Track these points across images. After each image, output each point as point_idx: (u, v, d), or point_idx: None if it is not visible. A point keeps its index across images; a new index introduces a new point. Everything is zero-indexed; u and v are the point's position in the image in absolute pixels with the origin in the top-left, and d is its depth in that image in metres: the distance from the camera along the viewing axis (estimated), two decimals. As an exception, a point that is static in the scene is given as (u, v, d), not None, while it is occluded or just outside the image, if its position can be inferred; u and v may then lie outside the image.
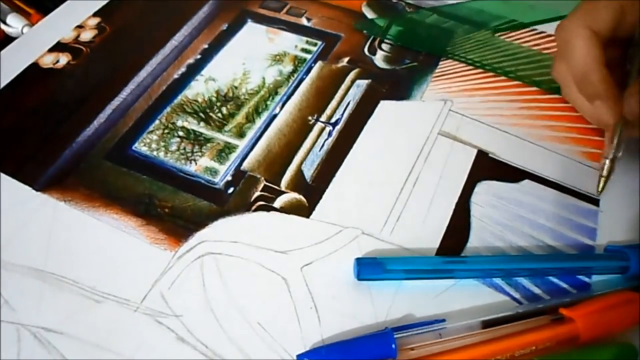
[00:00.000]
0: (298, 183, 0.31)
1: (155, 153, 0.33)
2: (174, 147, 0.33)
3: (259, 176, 0.32)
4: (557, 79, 0.32)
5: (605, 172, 0.29)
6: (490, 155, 0.33)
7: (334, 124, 0.34)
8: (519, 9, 0.41)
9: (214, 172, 0.32)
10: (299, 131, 0.34)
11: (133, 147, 0.33)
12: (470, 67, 0.38)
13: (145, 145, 0.33)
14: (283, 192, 0.31)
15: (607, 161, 0.29)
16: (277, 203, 0.30)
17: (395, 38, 0.40)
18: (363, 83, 0.37)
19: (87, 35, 0.40)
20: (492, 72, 0.37)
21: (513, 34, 0.40)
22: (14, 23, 0.40)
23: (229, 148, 0.33)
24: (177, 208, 0.30)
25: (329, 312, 0.26)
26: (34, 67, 0.38)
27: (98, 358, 0.24)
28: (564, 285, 0.27)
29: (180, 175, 0.32)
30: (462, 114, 0.35)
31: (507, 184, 0.31)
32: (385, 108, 0.35)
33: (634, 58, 0.30)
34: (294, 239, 0.29)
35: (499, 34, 0.40)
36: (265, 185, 0.31)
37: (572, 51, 0.29)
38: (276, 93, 0.36)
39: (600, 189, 0.29)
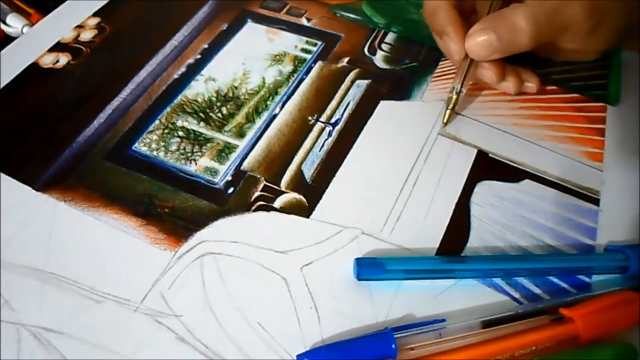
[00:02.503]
0: (298, 183, 0.31)
1: (155, 153, 0.33)
2: (174, 147, 0.33)
3: (259, 176, 0.32)
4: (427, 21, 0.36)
5: (450, 105, 0.33)
6: (490, 155, 0.33)
7: (334, 124, 0.34)
8: None
9: (214, 172, 0.32)
10: (299, 131, 0.34)
11: (133, 147, 0.33)
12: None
13: (145, 145, 0.33)
14: (283, 192, 0.31)
15: (453, 94, 0.33)
16: (277, 203, 0.30)
17: (396, 31, 0.40)
18: (363, 83, 0.37)
19: (87, 35, 0.40)
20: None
21: None
22: (14, 23, 0.40)
23: (229, 148, 0.33)
24: (177, 208, 0.30)
25: (329, 312, 0.26)
26: (34, 67, 0.38)
27: (98, 358, 0.24)
28: (564, 285, 0.27)
29: (180, 175, 0.32)
30: (462, 114, 0.35)
31: (507, 184, 0.31)
32: (385, 108, 0.35)
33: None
34: (294, 239, 0.29)
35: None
36: (265, 185, 0.31)
37: None
38: (276, 93, 0.36)
39: (445, 121, 0.33)
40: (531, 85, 0.35)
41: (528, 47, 0.31)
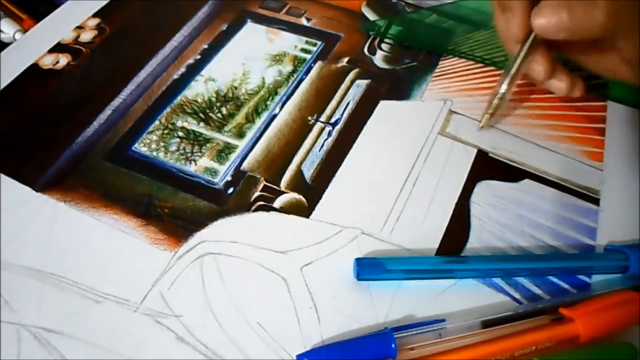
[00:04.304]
0: (298, 183, 0.31)
1: (155, 153, 0.33)
2: (173, 148, 0.33)
3: (258, 176, 0.32)
4: (492, 6, 0.33)
5: (491, 110, 0.32)
6: (490, 155, 0.33)
7: (334, 124, 0.34)
8: None
9: (213, 172, 0.32)
10: (299, 131, 0.34)
11: (133, 148, 0.33)
12: (470, 67, 0.38)
13: (145, 146, 0.33)
14: (283, 192, 0.31)
15: (495, 99, 0.31)
16: (277, 203, 0.30)
17: (395, 37, 0.39)
18: (363, 83, 0.37)
19: (86, 36, 0.40)
20: (492, 65, 0.37)
21: None
22: (6, 29, 0.40)
23: (228, 148, 0.33)
24: (176, 208, 0.30)
25: (329, 312, 0.26)
26: (34, 67, 0.38)
27: (98, 358, 0.24)
28: (564, 285, 0.27)
29: (180, 175, 0.32)
30: (462, 113, 0.35)
31: (507, 184, 0.31)
32: (385, 108, 0.35)
33: None
34: (294, 239, 0.29)
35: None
36: (265, 186, 0.31)
37: None
38: (276, 93, 0.36)
39: (482, 125, 0.32)
40: (579, 89, 0.33)
41: (600, 33, 0.27)
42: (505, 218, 0.30)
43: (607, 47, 0.30)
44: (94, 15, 0.41)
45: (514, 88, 0.32)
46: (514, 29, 0.30)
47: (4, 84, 0.36)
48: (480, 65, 0.38)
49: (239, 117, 0.35)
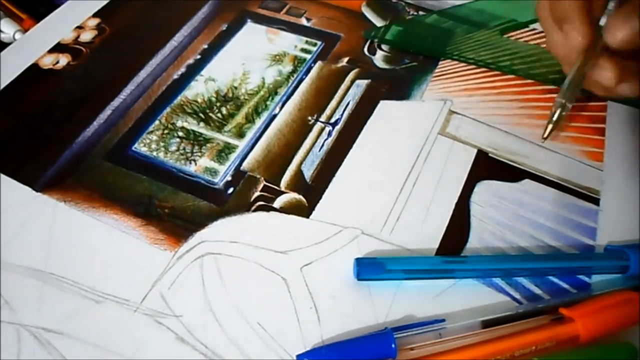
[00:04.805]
0: (298, 183, 0.31)
1: (155, 153, 0.33)
2: (173, 148, 0.33)
3: (258, 176, 0.32)
4: (538, 16, 0.33)
5: (555, 118, 0.30)
6: (490, 155, 0.33)
7: (334, 124, 0.34)
8: (519, 8, 0.41)
9: (213, 172, 0.32)
10: (299, 131, 0.34)
11: (133, 148, 0.33)
12: (470, 67, 0.38)
13: (145, 146, 0.33)
14: (283, 192, 0.31)
15: (558, 110, 0.30)
16: (277, 203, 0.30)
17: (395, 41, 0.39)
18: (363, 83, 0.37)
19: (86, 36, 0.40)
20: (493, 69, 0.37)
21: (512, 33, 0.40)
22: (6, 29, 0.40)
23: (228, 148, 0.33)
24: (176, 208, 0.30)
25: (329, 312, 0.26)
26: (34, 67, 0.38)
27: (98, 358, 0.24)
28: (564, 285, 0.27)
29: (180, 175, 0.32)
30: (462, 113, 0.35)
31: (507, 184, 0.31)
32: (385, 108, 0.35)
33: None
34: (294, 239, 0.29)
35: (505, 34, 0.40)
36: (265, 186, 0.31)
37: None
38: (276, 93, 0.36)
39: (545, 135, 0.31)
40: None
41: None
42: (505, 218, 0.30)
43: None
44: (94, 15, 0.41)
45: (576, 97, 0.31)
46: (576, 39, 0.30)
47: (4, 84, 0.36)
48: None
49: (239, 117, 0.35)
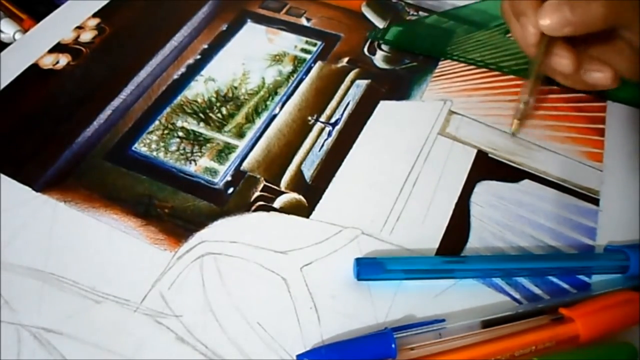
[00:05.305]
0: (298, 183, 0.31)
1: (155, 153, 0.33)
2: (173, 148, 0.33)
3: (258, 176, 0.32)
4: (503, 13, 0.34)
5: (519, 116, 0.33)
6: (490, 155, 0.33)
7: (334, 124, 0.34)
8: None
9: (213, 172, 0.32)
10: (299, 131, 0.34)
11: (133, 148, 0.33)
12: (470, 67, 0.38)
13: (145, 146, 0.33)
14: (283, 192, 0.31)
15: (522, 105, 0.32)
16: (277, 203, 0.30)
17: (395, 41, 0.39)
18: (363, 83, 0.37)
19: (86, 36, 0.40)
20: (493, 70, 0.37)
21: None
22: (6, 29, 0.40)
23: (228, 148, 0.33)
24: (176, 208, 0.30)
25: (329, 312, 0.26)
26: (34, 68, 0.38)
27: (98, 358, 0.24)
28: (564, 285, 0.27)
29: (180, 175, 0.32)
30: (461, 114, 0.35)
31: (507, 184, 0.31)
32: (385, 108, 0.35)
33: None
34: (294, 239, 0.29)
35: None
36: (265, 186, 0.31)
37: None
38: (276, 93, 0.36)
39: (513, 131, 0.33)
40: (613, 78, 0.32)
41: (602, 23, 0.29)
42: (505, 218, 0.30)
43: (613, 39, 0.31)
44: (94, 15, 0.41)
45: (538, 90, 0.33)
46: (530, 31, 0.31)
47: (4, 84, 0.36)
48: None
49: (239, 117, 0.35)
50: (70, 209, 0.30)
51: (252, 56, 0.39)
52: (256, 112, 0.35)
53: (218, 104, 0.36)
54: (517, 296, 0.27)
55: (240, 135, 0.34)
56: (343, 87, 0.37)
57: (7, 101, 0.36)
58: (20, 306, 0.26)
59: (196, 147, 0.33)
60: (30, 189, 0.31)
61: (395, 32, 0.40)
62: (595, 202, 0.31)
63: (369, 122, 0.34)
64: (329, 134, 0.34)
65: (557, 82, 0.34)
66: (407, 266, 0.27)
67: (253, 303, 0.26)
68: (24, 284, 0.27)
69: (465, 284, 0.27)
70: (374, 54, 0.39)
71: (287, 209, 0.30)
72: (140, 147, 0.33)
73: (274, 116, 0.35)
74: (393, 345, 0.23)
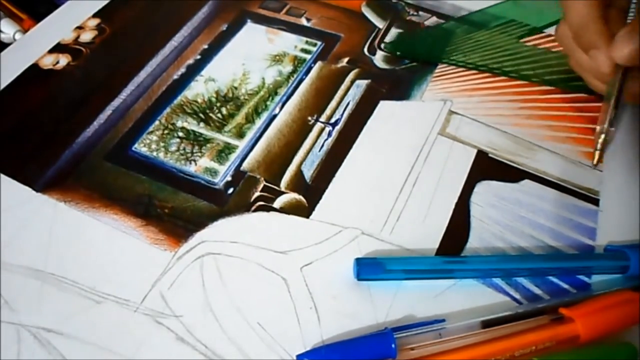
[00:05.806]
0: (298, 183, 0.31)
1: (155, 154, 0.33)
2: (173, 148, 0.33)
3: (258, 176, 0.32)
4: (560, 41, 0.34)
5: (599, 146, 0.30)
6: (490, 155, 0.33)
7: (334, 124, 0.34)
8: (530, 11, 0.41)
9: (213, 172, 0.32)
10: (299, 131, 0.34)
11: (133, 148, 0.33)
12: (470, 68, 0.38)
13: (145, 146, 0.33)
14: (283, 193, 0.31)
15: (602, 135, 0.29)
16: (277, 203, 0.30)
17: (395, 45, 0.39)
18: (363, 83, 0.37)
19: (87, 36, 0.40)
20: (492, 73, 0.37)
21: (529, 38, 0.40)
22: (7, 29, 0.40)
23: (228, 148, 0.33)
24: (177, 208, 0.30)
25: (329, 312, 0.26)
26: (34, 68, 0.38)
27: (98, 358, 0.24)
28: (564, 285, 0.27)
29: (180, 175, 0.32)
30: (461, 114, 0.35)
31: (507, 184, 0.31)
32: (385, 108, 0.35)
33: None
34: (294, 239, 0.29)
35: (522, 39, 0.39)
36: (265, 186, 0.31)
37: (570, 7, 0.31)
38: (276, 93, 0.36)
39: (595, 163, 0.30)
40: None
41: None
42: (505, 218, 0.30)
43: None
44: (94, 16, 0.41)
45: (617, 118, 0.31)
46: (604, 64, 0.30)
47: (4, 84, 0.36)
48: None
49: (239, 117, 0.35)
50: (70, 209, 0.30)
51: (252, 56, 0.39)
52: (256, 112, 0.35)
53: (218, 104, 0.36)
54: (517, 296, 0.27)
55: (240, 135, 0.34)
56: (343, 87, 0.37)
57: (7, 101, 0.36)
58: (20, 306, 0.26)
59: (196, 147, 0.33)
60: (30, 189, 0.31)
61: (395, 33, 0.40)
62: (595, 202, 0.31)
63: (369, 122, 0.35)
64: (329, 134, 0.34)
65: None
66: (407, 266, 0.27)
67: (253, 303, 0.26)
68: (23, 284, 0.27)
69: (465, 284, 0.27)
70: (374, 54, 0.39)
71: (287, 209, 0.30)
72: (140, 147, 0.33)
73: (274, 116, 0.35)
74: (393, 345, 0.23)
